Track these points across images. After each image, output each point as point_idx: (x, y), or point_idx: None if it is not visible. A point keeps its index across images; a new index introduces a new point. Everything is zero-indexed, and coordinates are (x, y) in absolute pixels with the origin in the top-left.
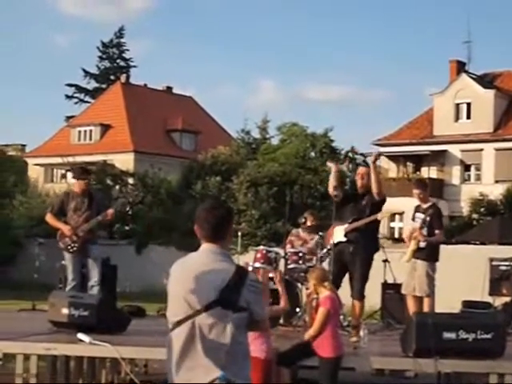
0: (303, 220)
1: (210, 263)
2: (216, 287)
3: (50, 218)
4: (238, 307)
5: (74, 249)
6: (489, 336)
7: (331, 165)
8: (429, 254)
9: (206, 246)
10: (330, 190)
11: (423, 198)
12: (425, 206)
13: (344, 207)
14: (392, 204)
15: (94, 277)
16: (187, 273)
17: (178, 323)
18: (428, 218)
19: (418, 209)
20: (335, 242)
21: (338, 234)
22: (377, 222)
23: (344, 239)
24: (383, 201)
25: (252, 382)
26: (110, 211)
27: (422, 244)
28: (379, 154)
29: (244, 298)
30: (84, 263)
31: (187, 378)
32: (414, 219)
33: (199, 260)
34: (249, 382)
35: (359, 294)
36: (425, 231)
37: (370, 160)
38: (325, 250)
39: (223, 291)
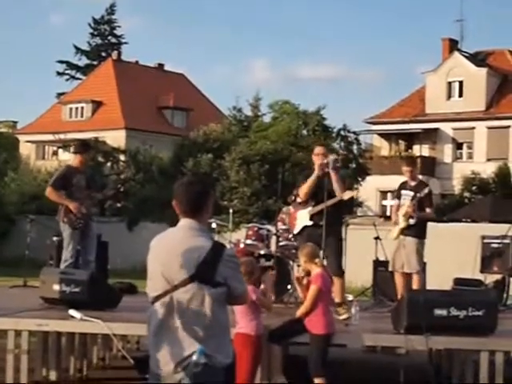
0: (293, 197)
1: (187, 239)
2: (193, 263)
3: (52, 193)
4: (215, 282)
5: (80, 225)
6: (480, 313)
7: (328, 159)
8: (418, 231)
9: (183, 222)
10: (303, 195)
11: (413, 175)
12: (413, 183)
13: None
14: (384, 181)
15: (92, 253)
16: (165, 249)
17: (156, 298)
18: (418, 195)
19: (404, 186)
20: (301, 226)
21: (303, 218)
22: (340, 201)
23: (310, 223)
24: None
25: (242, 358)
26: (111, 191)
27: (412, 221)
28: (336, 160)
29: (221, 273)
30: (80, 239)
31: (166, 351)
32: (399, 197)
33: (177, 236)
34: (229, 358)
35: (338, 270)
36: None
37: (330, 166)
38: (290, 236)
39: (199, 266)
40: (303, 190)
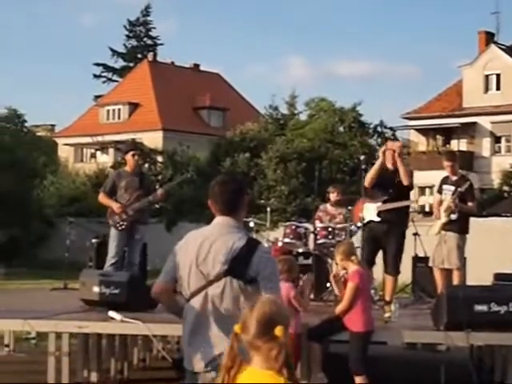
0: (327, 195)
1: (222, 235)
2: (227, 258)
3: (102, 198)
4: (249, 278)
5: (123, 227)
6: None
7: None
8: (460, 227)
9: (219, 219)
10: (368, 182)
11: (454, 170)
12: (454, 177)
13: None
14: (423, 177)
15: (136, 256)
16: (200, 244)
17: (192, 295)
18: (460, 189)
19: (445, 181)
20: (366, 220)
21: (370, 211)
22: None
23: (377, 218)
24: (411, 187)
25: None
26: (161, 191)
27: (454, 216)
28: (401, 145)
29: (254, 268)
30: (128, 242)
31: (198, 349)
32: (440, 192)
33: (212, 232)
34: None
35: (395, 269)
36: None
37: (396, 152)
38: (354, 227)
39: (233, 262)
40: (368, 176)
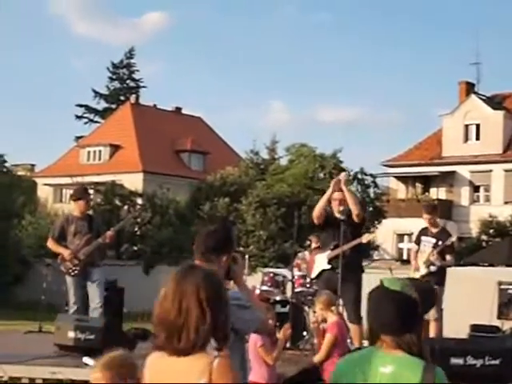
0: (308, 242)
1: None
2: None
3: (51, 244)
4: None
5: (76, 272)
6: (497, 362)
7: (340, 178)
8: (439, 279)
9: None
10: (317, 212)
11: (434, 222)
12: (434, 230)
13: (324, 232)
14: (401, 224)
15: (95, 300)
16: None
17: None
18: (441, 243)
19: (424, 232)
20: (318, 271)
21: (321, 261)
22: (359, 245)
23: (328, 266)
24: (363, 222)
25: None
26: (110, 233)
27: (433, 268)
28: (348, 175)
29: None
30: (85, 286)
31: None
32: (418, 243)
33: None
34: None
35: (356, 317)
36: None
37: (341, 183)
38: (308, 280)
39: None
40: (315, 212)
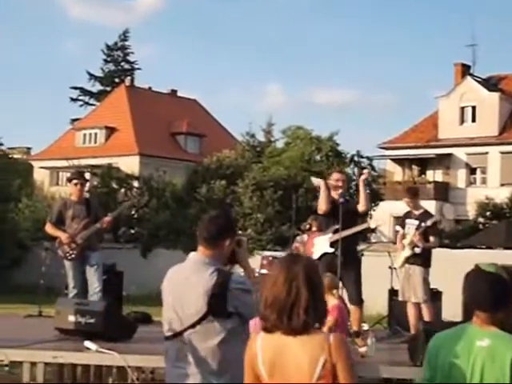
0: (308, 226)
1: (197, 274)
2: (202, 300)
3: (49, 228)
4: (227, 313)
5: (73, 256)
6: None
7: (317, 182)
8: (424, 260)
9: (197, 255)
10: (325, 205)
11: (414, 205)
12: (417, 212)
13: (325, 216)
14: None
15: (94, 284)
16: (177, 284)
17: (168, 338)
18: (425, 224)
19: (408, 215)
20: (320, 254)
21: (322, 244)
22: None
23: (330, 250)
24: (367, 213)
25: None
26: (107, 219)
27: (418, 250)
28: (369, 173)
29: (231, 302)
30: (84, 270)
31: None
32: (403, 226)
33: (188, 271)
34: None
35: (358, 299)
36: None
37: (361, 177)
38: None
39: (210, 301)
40: (320, 206)
